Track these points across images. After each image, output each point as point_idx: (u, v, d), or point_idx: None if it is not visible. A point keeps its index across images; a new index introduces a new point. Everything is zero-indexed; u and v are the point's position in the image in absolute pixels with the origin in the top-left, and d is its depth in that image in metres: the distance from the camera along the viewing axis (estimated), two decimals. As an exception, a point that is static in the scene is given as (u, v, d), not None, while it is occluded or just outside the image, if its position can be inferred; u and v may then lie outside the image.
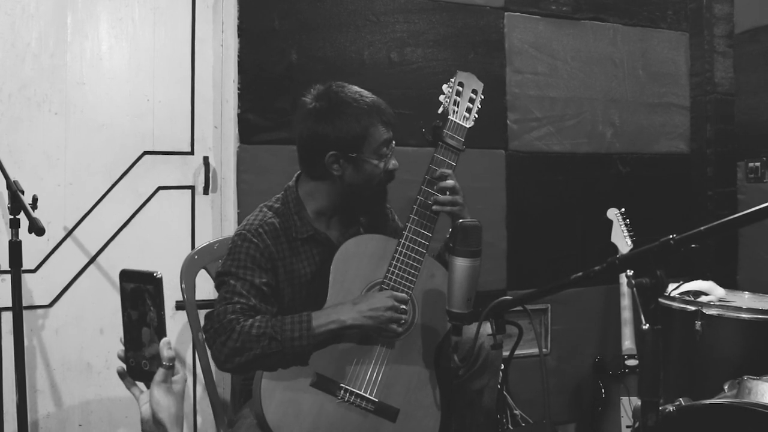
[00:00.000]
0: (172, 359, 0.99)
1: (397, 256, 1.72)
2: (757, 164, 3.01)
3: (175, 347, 2.41)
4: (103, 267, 2.34)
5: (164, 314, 0.98)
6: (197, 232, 2.46)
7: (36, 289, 2.27)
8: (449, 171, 1.74)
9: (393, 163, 1.76)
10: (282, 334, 1.59)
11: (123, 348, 1.01)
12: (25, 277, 2.22)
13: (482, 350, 1.83)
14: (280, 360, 1.62)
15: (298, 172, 1.84)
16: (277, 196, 1.83)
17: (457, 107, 1.76)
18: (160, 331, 0.98)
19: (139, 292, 0.98)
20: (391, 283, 1.71)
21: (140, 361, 1.00)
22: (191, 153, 2.46)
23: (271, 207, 1.79)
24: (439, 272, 1.78)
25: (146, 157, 2.40)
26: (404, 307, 1.70)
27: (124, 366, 1.02)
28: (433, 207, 1.73)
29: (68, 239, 2.30)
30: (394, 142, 1.76)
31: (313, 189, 1.78)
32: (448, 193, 1.73)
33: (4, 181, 1.90)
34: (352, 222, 1.86)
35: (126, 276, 0.99)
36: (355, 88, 1.76)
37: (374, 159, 1.72)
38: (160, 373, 0.98)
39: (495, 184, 2.80)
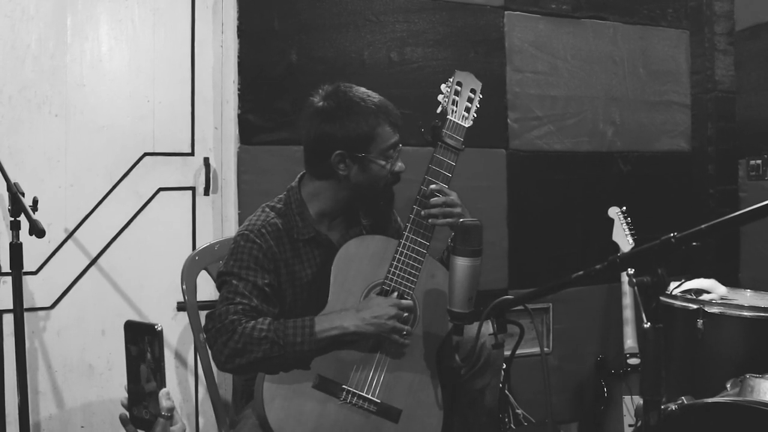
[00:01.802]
0: (170, 409, 1.05)
1: (397, 256, 1.71)
2: (759, 162, 3.00)
3: (176, 348, 2.42)
4: (104, 268, 2.34)
5: (164, 364, 1.04)
6: (198, 233, 2.46)
7: (37, 290, 2.27)
8: (438, 186, 1.72)
9: (399, 165, 1.75)
10: (284, 339, 1.59)
11: (126, 396, 1.07)
12: (26, 279, 2.22)
13: (484, 349, 1.83)
14: (281, 364, 1.62)
15: (302, 172, 1.83)
16: (280, 196, 1.82)
17: (456, 107, 1.76)
18: (160, 380, 1.04)
19: (140, 336, 1.04)
20: (392, 284, 1.71)
21: (141, 410, 1.06)
22: (192, 154, 2.46)
23: (273, 207, 1.78)
24: (439, 272, 1.78)
25: (147, 158, 2.40)
26: (407, 315, 1.69)
27: (127, 413, 1.08)
28: (429, 221, 1.72)
29: (69, 241, 2.30)
30: (400, 144, 1.76)
31: (317, 189, 1.78)
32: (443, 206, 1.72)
33: (5, 183, 1.89)
34: (354, 223, 1.85)
35: (129, 326, 1.06)
36: (363, 89, 1.76)
37: (381, 160, 1.72)
38: (159, 422, 1.04)
39: (496, 183, 2.80)
